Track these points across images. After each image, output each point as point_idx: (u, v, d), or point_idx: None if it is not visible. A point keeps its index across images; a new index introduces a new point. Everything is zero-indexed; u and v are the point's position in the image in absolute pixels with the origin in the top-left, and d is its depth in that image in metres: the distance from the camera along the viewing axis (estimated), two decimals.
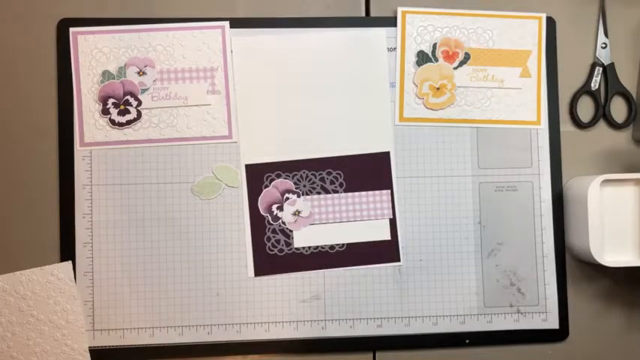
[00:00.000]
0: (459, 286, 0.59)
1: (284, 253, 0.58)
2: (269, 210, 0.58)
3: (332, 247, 0.58)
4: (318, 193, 0.58)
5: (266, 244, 0.58)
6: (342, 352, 0.58)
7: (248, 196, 0.58)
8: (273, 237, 0.58)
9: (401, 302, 0.58)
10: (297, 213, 0.58)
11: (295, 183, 0.58)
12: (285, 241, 0.58)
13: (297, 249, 0.58)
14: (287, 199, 0.58)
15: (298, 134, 0.59)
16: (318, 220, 0.58)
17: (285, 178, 0.58)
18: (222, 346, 0.57)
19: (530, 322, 0.59)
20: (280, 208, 0.58)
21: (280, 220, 0.58)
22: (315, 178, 0.58)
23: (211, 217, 0.58)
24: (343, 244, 0.58)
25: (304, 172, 0.58)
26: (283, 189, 0.58)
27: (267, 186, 0.58)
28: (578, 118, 0.61)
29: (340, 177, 0.58)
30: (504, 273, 0.59)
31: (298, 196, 0.58)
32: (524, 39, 0.60)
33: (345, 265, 0.58)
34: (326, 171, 0.58)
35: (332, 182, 0.58)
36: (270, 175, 0.58)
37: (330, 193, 0.58)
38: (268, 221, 0.58)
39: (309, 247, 0.58)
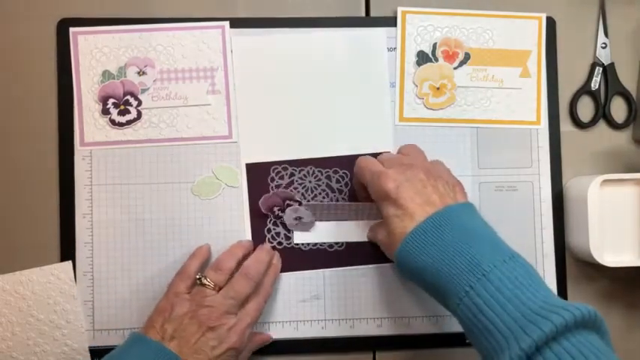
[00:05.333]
0: None
1: (283, 246, 0.58)
2: (270, 210, 0.58)
3: (331, 245, 0.58)
4: (323, 190, 0.58)
5: (266, 236, 0.58)
6: (342, 352, 0.58)
7: (248, 196, 0.58)
8: (274, 229, 0.58)
9: (401, 302, 0.58)
10: (298, 219, 0.57)
11: (300, 179, 0.58)
12: (284, 234, 0.58)
13: (296, 244, 0.58)
14: (288, 205, 0.58)
15: (298, 134, 0.59)
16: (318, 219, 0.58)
17: (289, 177, 0.58)
18: None
19: None
20: (282, 210, 0.58)
21: (281, 219, 0.58)
22: (322, 175, 0.58)
23: (211, 217, 0.58)
24: (342, 244, 0.58)
25: (311, 168, 0.58)
26: (284, 197, 0.58)
27: (267, 186, 0.58)
28: (578, 118, 0.61)
29: (347, 176, 0.59)
30: None
31: (300, 204, 0.58)
32: (524, 39, 0.60)
33: (345, 264, 0.58)
34: (332, 169, 0.58)
35: (338, 181, 0.58)
36: (271, 175, 0.58)
37: (335, 191, 0.58)
38: (269, 218, 0.58)
39: (308, 244, 0.58)
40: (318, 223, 0.58)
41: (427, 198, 0.47)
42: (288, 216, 0.57)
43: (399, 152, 0.55)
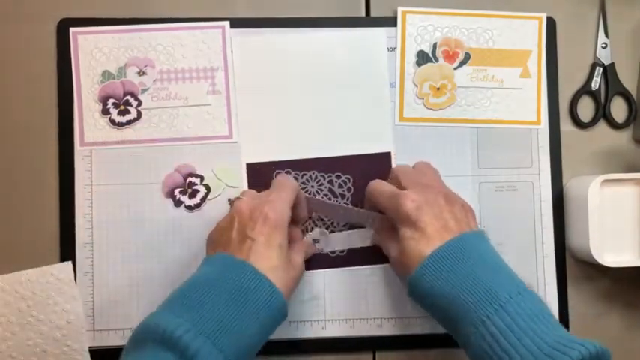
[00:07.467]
0: None
1: None
2: None
3: (333, 251, 0.58)
4: (326, 195, 0.58)
5: None
6: (342, 352, 0.58)
7: None
8: None
9: (401, 302, 0.58)
10: (315, 241, 0.58)
11: (303, 184, 0.58)
12: None
13: None
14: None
15: (298, 134, 0.59)
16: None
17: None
18: None
19: None
20: None
21: None
22: (324, 180, 0.58)
23: (211, 217, 0.58)
24: (344, 250, 0.58)
25: (313, 173, 0.58)
26: None
27: (268, 187, 0.58)
28: (578, 118, 0.61)
29: (349, 181, 0.58)
30: None
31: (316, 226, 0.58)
32: (524, 39, 0.60)
33: (345, 264, 0.58)
34: (335, 174, 0.58)
35: (340, 186, 0.58)
36: (273, 178, 0.58)
37: (337, 196, 0.58)
38: None
39: None
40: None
41: (445, 223, 0.47)
42: (308, 236, 0.58)
43: (413, 167, 0.55)
